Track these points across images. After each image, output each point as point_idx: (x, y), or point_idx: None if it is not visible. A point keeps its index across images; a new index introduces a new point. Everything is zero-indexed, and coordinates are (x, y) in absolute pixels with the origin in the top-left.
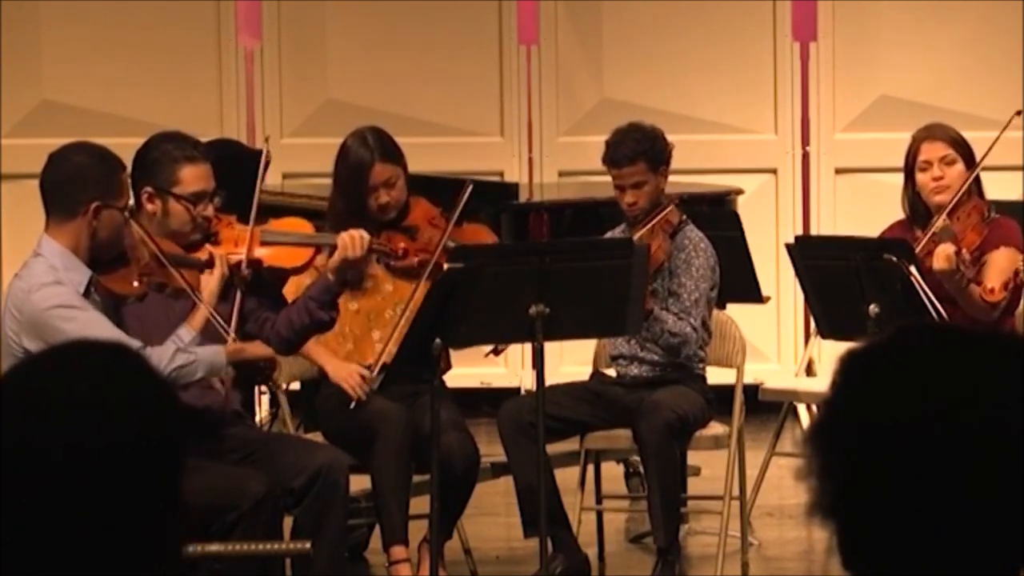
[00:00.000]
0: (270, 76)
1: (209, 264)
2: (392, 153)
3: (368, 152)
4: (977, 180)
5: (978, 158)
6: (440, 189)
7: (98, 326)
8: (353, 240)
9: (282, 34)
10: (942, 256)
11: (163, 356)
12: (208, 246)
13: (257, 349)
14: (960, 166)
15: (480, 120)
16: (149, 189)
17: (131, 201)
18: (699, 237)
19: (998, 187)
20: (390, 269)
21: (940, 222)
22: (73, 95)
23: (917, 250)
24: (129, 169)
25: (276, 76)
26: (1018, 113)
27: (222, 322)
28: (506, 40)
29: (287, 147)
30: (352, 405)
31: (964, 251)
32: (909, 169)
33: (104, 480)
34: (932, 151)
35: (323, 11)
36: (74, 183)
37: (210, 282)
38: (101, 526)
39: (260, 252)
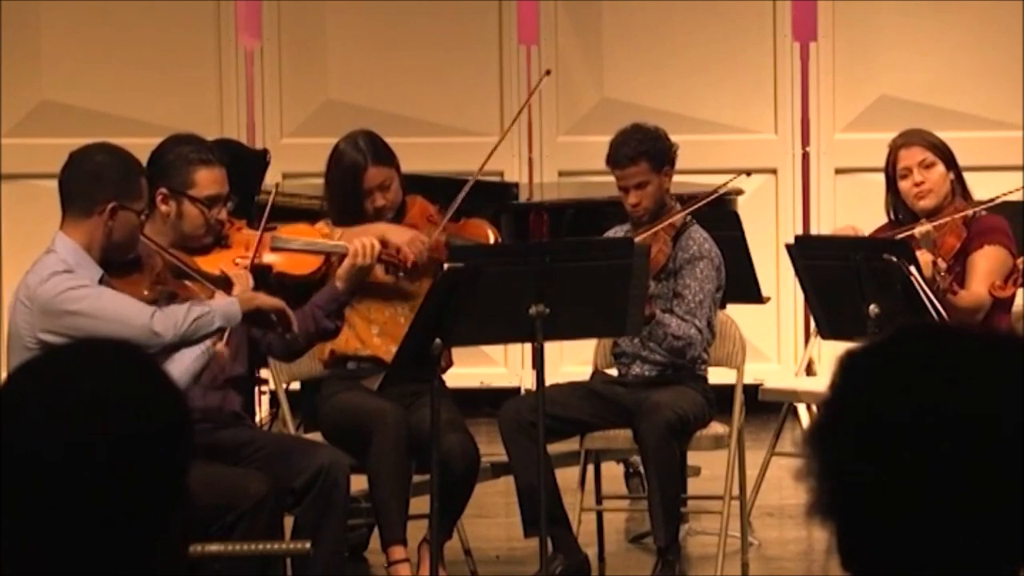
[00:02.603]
0: (270, 76)
1: (226, 284)
2: (385, 156)
3: (361, 156)
4: (961, 181)
5: (969, 159)
6: (439, 189)
7: (110, 298)
8: (365, 248)
9: (282, 34)
10: (921, 262)
11: (178, 313)
12: (216, 251)
13: (268, 299)
14: (940, 168)
15: (480, 120)
16: (164, 190)
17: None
18: (703, 237)
19: (998, 187)
20: (397, 278)
21: (922, 229)
22: (73, 95)
23: None
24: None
25: (276, 76)
26: None
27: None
28: (506, 40)
29: (287, 147)
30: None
31: (940, 261)
32: (890, 177)
33: (109, 479)
34: (910, 157)
35: (323, 11)
36: (93, 181)
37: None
38: (105, 525)
39: (270, 258)
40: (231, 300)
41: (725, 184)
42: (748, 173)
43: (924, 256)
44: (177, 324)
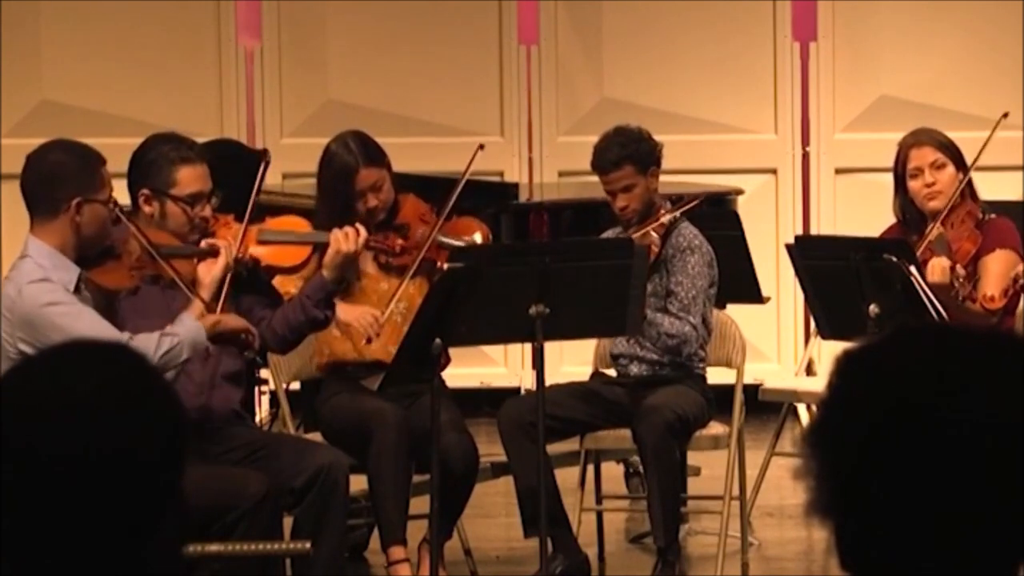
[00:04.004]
0: (270, 76)
1: (212, 253)
2: (376, 156)
3: (352, 158)
4: (969, 182)
5: (969, 159)
6: (439, 189)
7: (86, 319)
8: (347, 236)
9: (282, 34)
10: (937, 269)
11: (150, 344)
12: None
13: (232, 321)
14: (951, 169)
15: (480, 120)
16: (146, 191)
17: (114, 193)
18: (694, 234)
19: (998, 187)
20: (384, 267)
21: (934, 231)
22: (73, 95)
23: None
24: (118, 167)
25: (276, 76)
26: (1005, 115)
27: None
28: (506, 40)
29: (287, 147)
30: (365, 342)
31: (959, 267)
32: (899, 177)
33: (104, 480)
34: (921, 157)
35: (323, 11)
36: (53, 181)
37: (212, 270)
38: (101, 526)
39: (257, 251)
40: (197, 327)
41: (700, 198)
42: (707, 199)
43: (942, 262)
44: (149, 355)
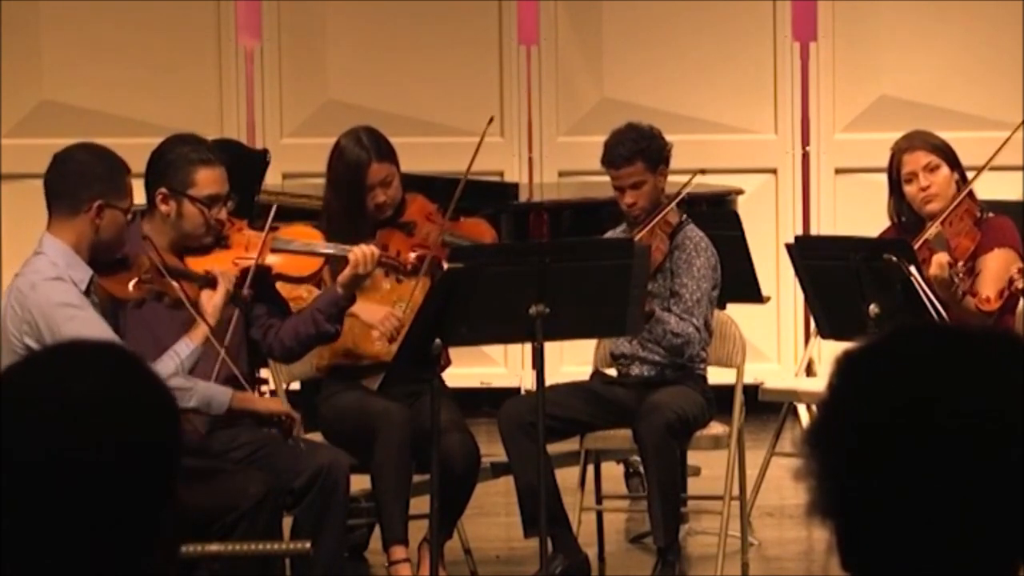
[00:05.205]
0: (270, 76)
1: (211, 282)
2: (387, 152)
3: (364, 152)
4: (965, 180)
5: (970, 160)
6: (438, 189)
7: (94, 327)
8: (366, 256)
9: (282, 34)
10: (936, 263)
11: (160, 372)
12: (216, 251)
13: (268, 404)
14: (945, 170)
15: (480, 120)
16: (164, 190)
17: (134, 203)
18: (699, 236)
19: (998, 187)
20: (399, 281)
21: (933, 229)
22: (73, 95)
23: None
24: (141, 171)
25: (276, 76)
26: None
27: (231, 363)
28: (506, 40)
29: (287, 147)
30: (388, 342)
31: (959, 263)
32: (893, 182)
33: (101, 481)
34: (914, 161)
35: (323, 11)
36: (78, 180)
37: (213, 298)
38: (98, 526)
39: (269, 259)
40: (224, 391)
41: (686, 184)
42: (703, 171)
43: (941, 257)
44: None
